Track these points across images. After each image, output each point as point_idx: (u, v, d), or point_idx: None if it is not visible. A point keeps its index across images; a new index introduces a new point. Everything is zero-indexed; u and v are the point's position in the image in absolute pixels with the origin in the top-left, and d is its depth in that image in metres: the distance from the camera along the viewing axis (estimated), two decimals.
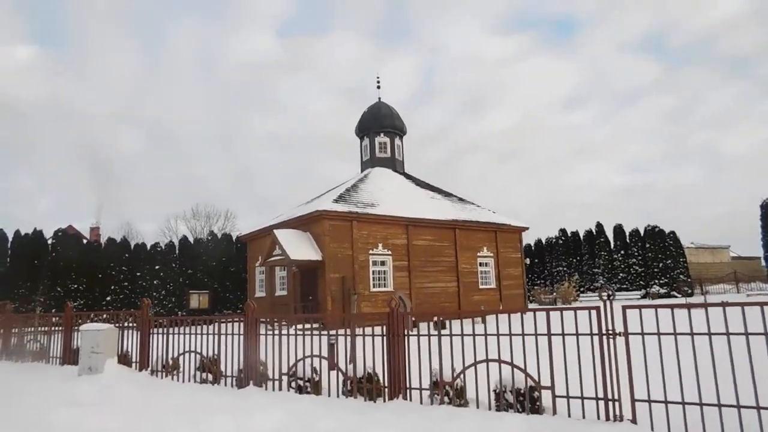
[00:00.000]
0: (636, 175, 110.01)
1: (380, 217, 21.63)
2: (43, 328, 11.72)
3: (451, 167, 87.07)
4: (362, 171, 28.07)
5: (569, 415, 5.41)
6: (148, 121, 77.87)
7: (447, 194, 27.61)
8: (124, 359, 9.40)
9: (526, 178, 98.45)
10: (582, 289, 39.68)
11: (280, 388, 7.18)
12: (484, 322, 11.51)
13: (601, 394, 5.29)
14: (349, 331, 7.96)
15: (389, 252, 21.91)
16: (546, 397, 5.61)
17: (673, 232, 38.08)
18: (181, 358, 8.48)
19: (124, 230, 44.66)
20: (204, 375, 8.15)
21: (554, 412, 5.46)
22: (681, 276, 36.93)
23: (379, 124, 27.57)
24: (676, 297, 35.59)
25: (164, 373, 8.49)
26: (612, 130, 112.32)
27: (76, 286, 25.49)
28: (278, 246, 20.13)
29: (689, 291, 36.69)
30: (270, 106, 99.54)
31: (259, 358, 7.52)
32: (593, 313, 5.49)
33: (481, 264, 25.37)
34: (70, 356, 10.11)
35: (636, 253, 38.97)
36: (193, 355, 8.32)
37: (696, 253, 49.09)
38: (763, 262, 37.51)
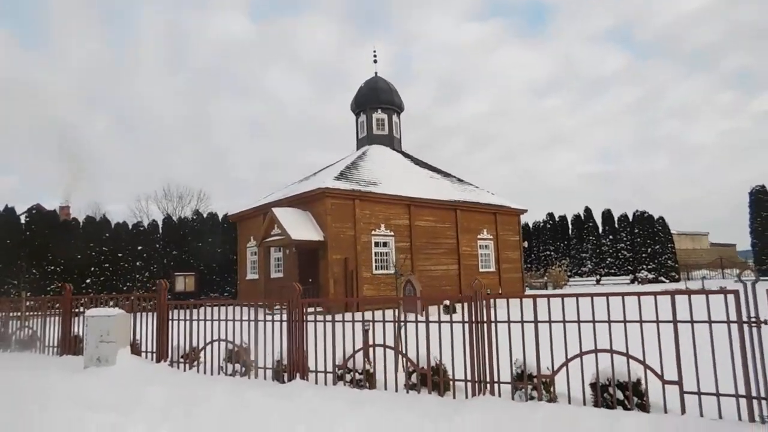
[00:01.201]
0: (605, 162, 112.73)
1: (383, 196, 20.66)
2: (31, 313, 10.47)
3: (426, 150, 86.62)
4: (358, 148, 26.93)
5: (701, 415, 4.66)
6: (116, 102, 74.55)
7: (446, 174, 26.78)
8: (133, 348, 8.30)
9: (499, 162, 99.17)
10: (570, 274, 39.64)
11: (334, 383, 6.26)
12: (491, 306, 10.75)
13: (742, 391, 4.56)
14: (405, 317, 7.08)
15: (391, 233, 21.01)
16: (670, 394, 4.85)
17: (661, 218, 38.27)
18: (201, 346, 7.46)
19: (92, 210, 42.39)
20: (234, 367, 7.15)
21: (683, 411, 4.70)
22: (669, 262, 37.20)
23: (377, 100, 26.37)
24: (664, 282, 35.87)
25: (187, 365, 7.45)
26: (582, 118, 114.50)
27: (52, 267, 23.78)
28: (277, 225, 18.98)
29: (677, 276, 37.06)
30: (242, 89, 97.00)
31: (305, 348, 6.57)
32: (730, 297, 4.71)
33: (481, 246, 24.74)
34: (70, 345, 8.94)
35: (624, 238, 39.05)
36: (215, 344, 7.31)
37: (677, 240, 49.71)
38: (749, 248, 37.97)
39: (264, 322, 6.80)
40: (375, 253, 20.44)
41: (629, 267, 38.48)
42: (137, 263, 26.03)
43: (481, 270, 24.46)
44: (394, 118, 27.06)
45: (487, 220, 25.19)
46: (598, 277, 38.53)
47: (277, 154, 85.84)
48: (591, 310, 5.14)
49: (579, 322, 5.18)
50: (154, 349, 7.90)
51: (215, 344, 7.32)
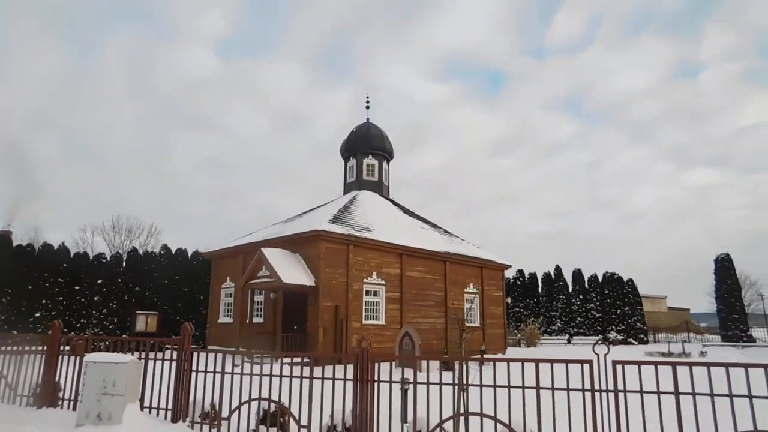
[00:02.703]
0: (555, 221, 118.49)
1: (377, 243, 19.80)
2: None
3: None
4: (345, 192, 26.19)
5: None
6: (70, 125, 71.51)
7: (433, 225, 26.30)
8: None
9: (453, 218, 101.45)
10: (541, 332, 39.32)
11: None
12: (483, 364, 9.86)
13: None
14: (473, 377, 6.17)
15: (383, 282, 20.03)
16: None
17: (630, 280, 39.01)
18: (224, 404, 6.21)
19: (30, 237, 38.99)
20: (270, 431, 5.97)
21: None
22: (638, 324, 37.62)
23: (369, 146, 25.98)
24: (633, 344, 36.06)
25: (211, 427, 6.17)
26: (533, 179, 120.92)
27: None
28: (266, 266, 17.66)
29: (645, 339, 37.41)
30: (200, 124, 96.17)
31: (377, 413, 5.52)
32: None
33: (467, 300, 24.03)
34: (51, 394, 7.39)
35: (594, 299, 39.41)
36: (247, 402, 6.12)
37: None
38: (701, 311, 39.00)
39: (321, 380, 5.71)
40: (366, 302, 19.33)
41: (599, 327, 38.63)
42: (95, 298, 23.68)
43: (466, 324, 23.61)
44: (384, 164, 26.66)
45: (474, 274, 24.65)
46: (569, 336, 38.37)
47: (231, 190, 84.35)
48: (746, 381, 4.45)
49: (731, 396, 4.45)
50: (169, 406, 6.55)
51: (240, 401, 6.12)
